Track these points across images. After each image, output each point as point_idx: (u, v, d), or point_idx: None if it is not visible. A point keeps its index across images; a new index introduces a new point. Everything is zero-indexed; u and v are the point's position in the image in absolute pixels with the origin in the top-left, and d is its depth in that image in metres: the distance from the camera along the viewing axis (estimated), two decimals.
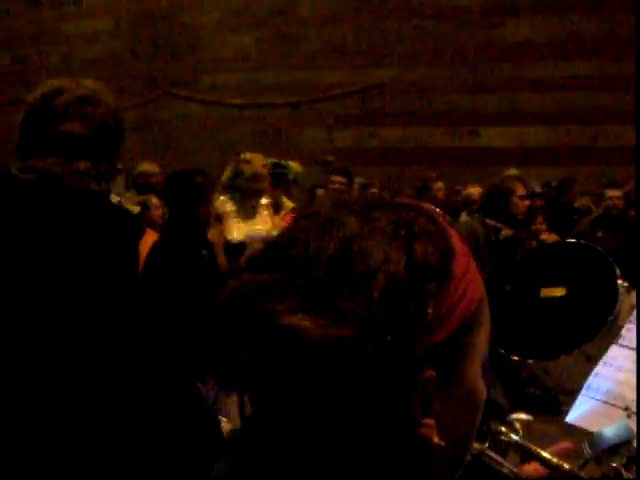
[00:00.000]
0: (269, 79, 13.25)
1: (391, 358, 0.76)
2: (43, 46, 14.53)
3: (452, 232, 0.83)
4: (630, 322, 1.68)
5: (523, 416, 1.33)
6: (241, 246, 4.68)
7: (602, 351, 3.12)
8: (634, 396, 1.45)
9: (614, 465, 1.26)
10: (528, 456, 1.27)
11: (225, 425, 3.50)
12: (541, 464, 1.24)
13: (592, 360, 3.17)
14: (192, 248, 4.33)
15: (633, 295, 3.30)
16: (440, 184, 8.92)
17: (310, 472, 0.79)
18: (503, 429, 1.30)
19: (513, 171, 8.96)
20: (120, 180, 11.76)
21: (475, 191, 6.77)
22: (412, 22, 12.72)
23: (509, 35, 12.41)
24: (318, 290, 0.76)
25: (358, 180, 10.36)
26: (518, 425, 1.31)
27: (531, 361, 3.50)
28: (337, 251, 0.78)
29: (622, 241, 6.60)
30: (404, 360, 0.76)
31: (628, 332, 1.64)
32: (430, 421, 0.78)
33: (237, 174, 5.07)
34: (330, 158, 9.96)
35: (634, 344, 1.60)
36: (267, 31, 13.49)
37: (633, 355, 1.57)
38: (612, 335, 3.12)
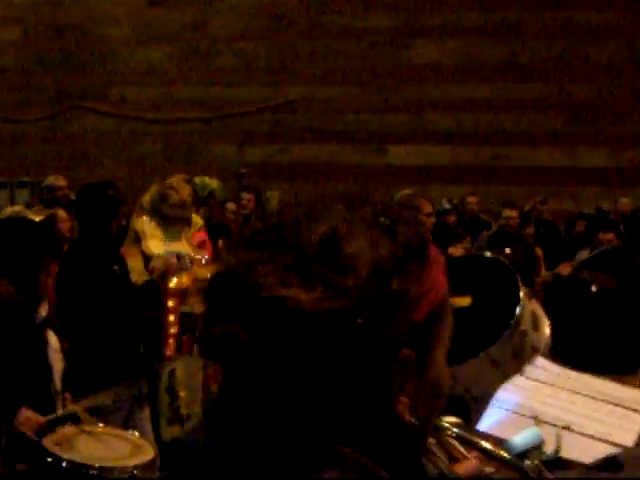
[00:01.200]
0: (180, 94, 13.25)
1: (377, 332, 0.79)
2: None
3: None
4: (531, 365, 1.83)
5: (453, 418, 1.41)
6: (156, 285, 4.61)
7: (506, 355, 3.30)
8: (542, 408, 1.56)
9: (535, 463, 1.37)
10: (459, 455, 1.34)
11: (138, 440, 3.53)
12: (482, 454, 1.32)
13: (497, 364, 3.35)
14: (103, 262, 4.33)
15: (533, 301, 3.35)
16: None
17: (290, 438, 0.80)
18: (445, 424, 1.36)
19: (407, 191, 9.24)
20: (26, 193, 11.58)
21: None
22: (323, 41, 12.94)
23: (416, 56, 12.77)
24: (310, 267, 0.80)
25: (270, 194, 10.51)
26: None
27: None
28: (326, 233, 0.83)
29: (518, 258, 6.91)
30: (388, 335, 0.80)
31: (530, 369, 1.75)
32: (404, 399, 0.83)
33: (162, 200, 5.00)
34: (242, 170, 10.03)
35: (538, 377, 1.70)
36: (179, 46, 13.49)
37: (536, 385, 1.69)
38: (515, 338, 3.31)
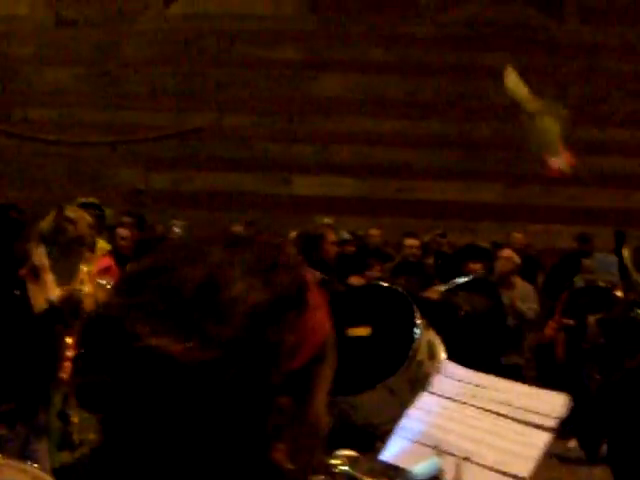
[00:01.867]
0: (86, 117, 13.09)
1: (252, 382, 0.78)
2: None
3: (305, 268, 0.89)
4: (440, 374, 1.82)
5: (347, 452, 1.44)
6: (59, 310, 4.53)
7: (403, 384, 3.41)
8: (445, 437, 1.57)
9: None
10: None
11: (38, 473, 3.46)
12: None
13: (395, 393, 3.45)
14: (3, 285, 4.28)
15: (430, 331, 3.39)
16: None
17: None
18: (333, 461, 1.38)
19: (326, 220, 9.44)
20: None
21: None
22: (232, 70, 13.06)
23: (322, 89, 13.03)
24: (185, 314, 0.78)
25: (176, 222, 10.47)
26: (345, 459, 1.41)
27: (340, 398, 3.63)
28: (203, 278, 0.80)
29: (420, 286, 7.12)
30: (263, 385, 0.79)
31: (439, 382, 1.78)
32: (282, 446, 0.81)
33: (59, 230, 4.86)
34: (141, 187, 9.77)
35: (442, 392, 1.76)
36: (87, 68, 13.36)
37: (444, 402, 1.69)
38: (412, 368, 3.42)
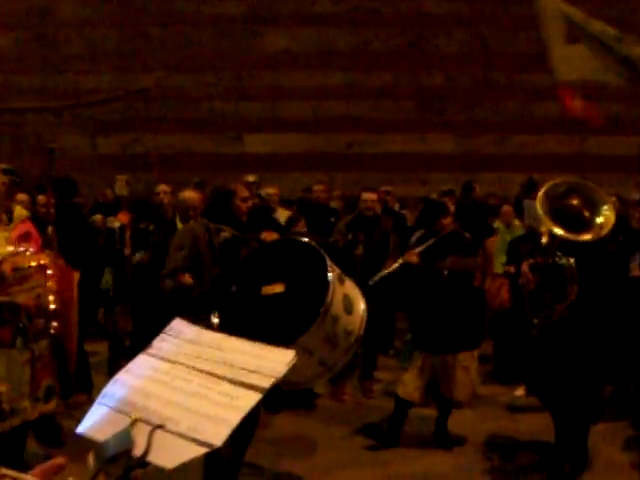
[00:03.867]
0: (28, 83, 12.76)
1: None
2: None
3: None
4: (166, 333, 1.65)
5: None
6: None
7: (318, 341, 3.28)
8: (146, 403, 1.44)
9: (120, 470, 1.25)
10: None
11: None
12: None
13: (311, 351, 3.33)
14: None
15: (348, 284, 3.25)
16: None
17: None
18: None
19: (251, 177, 9.25)
20: None
21: (191, 195, 6.53)
22: (175, 28, 12.76)
23: (269, 44, 12.78)
24: None
25: (119, 177, 10.29)
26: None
27: None
28: None
29: (376, 242, 7.00)
30: None
31: (159, 342, 1.61)
32: None
33: None
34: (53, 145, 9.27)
35: (162, 354, 1.58)
36: (25, 32, 13.00)
37: (158, 363, 1.55)
38: (326, 325, 3.29)
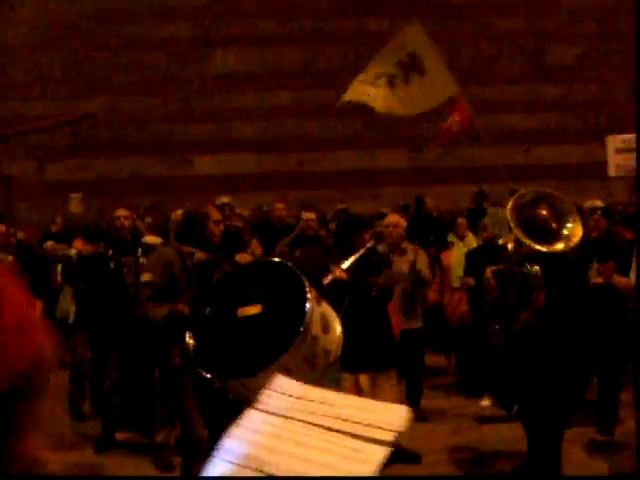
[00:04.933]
0: None
1: None
2: None
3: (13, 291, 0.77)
4: (270, 389, 1.68)
5: None
6: None
7: (298, 361, 3.26)
8: (272, 459, 1.46)
9: None
10: None
11: None
12: None
13: (291, 371, 3.30)
14: None
15: (323, 303, 3.27)
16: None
17: None
18: None
19: (225, 199, 9.25)
20: None
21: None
22: (122, 52, 12.69)
23: (216, 66, 12.79)
24: None
25: (72, 195, 10.16)
26: None
27: (233, 382, 3.47)
28: None
29: (317, 258, 7.03)
30: None
31: (267, 397, 1.65)
32: None
33: None
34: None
35: (268, 408, 1.61)
36: None
37: (270, 418, 1.57)
38: (306, 344, 3.28)
